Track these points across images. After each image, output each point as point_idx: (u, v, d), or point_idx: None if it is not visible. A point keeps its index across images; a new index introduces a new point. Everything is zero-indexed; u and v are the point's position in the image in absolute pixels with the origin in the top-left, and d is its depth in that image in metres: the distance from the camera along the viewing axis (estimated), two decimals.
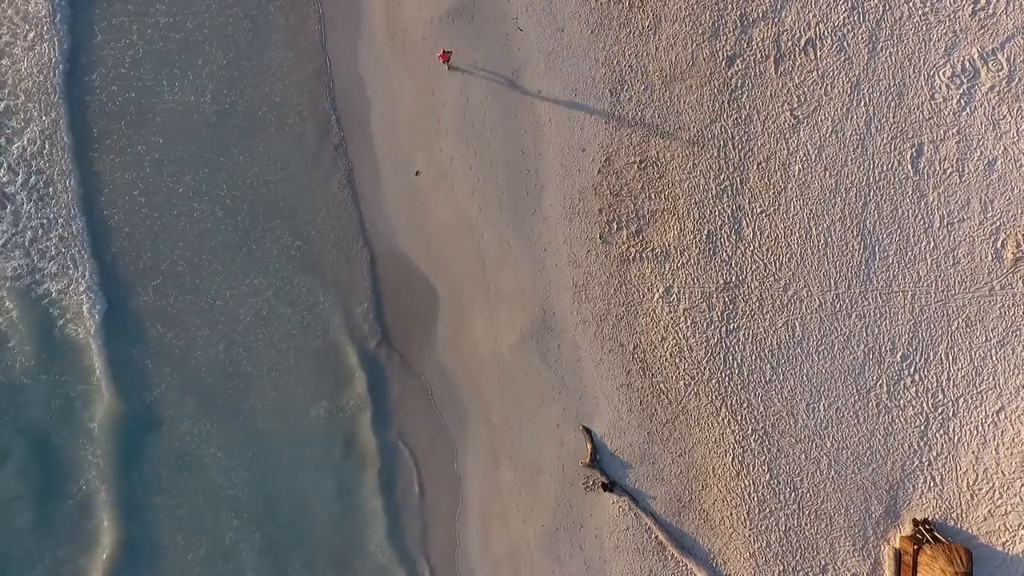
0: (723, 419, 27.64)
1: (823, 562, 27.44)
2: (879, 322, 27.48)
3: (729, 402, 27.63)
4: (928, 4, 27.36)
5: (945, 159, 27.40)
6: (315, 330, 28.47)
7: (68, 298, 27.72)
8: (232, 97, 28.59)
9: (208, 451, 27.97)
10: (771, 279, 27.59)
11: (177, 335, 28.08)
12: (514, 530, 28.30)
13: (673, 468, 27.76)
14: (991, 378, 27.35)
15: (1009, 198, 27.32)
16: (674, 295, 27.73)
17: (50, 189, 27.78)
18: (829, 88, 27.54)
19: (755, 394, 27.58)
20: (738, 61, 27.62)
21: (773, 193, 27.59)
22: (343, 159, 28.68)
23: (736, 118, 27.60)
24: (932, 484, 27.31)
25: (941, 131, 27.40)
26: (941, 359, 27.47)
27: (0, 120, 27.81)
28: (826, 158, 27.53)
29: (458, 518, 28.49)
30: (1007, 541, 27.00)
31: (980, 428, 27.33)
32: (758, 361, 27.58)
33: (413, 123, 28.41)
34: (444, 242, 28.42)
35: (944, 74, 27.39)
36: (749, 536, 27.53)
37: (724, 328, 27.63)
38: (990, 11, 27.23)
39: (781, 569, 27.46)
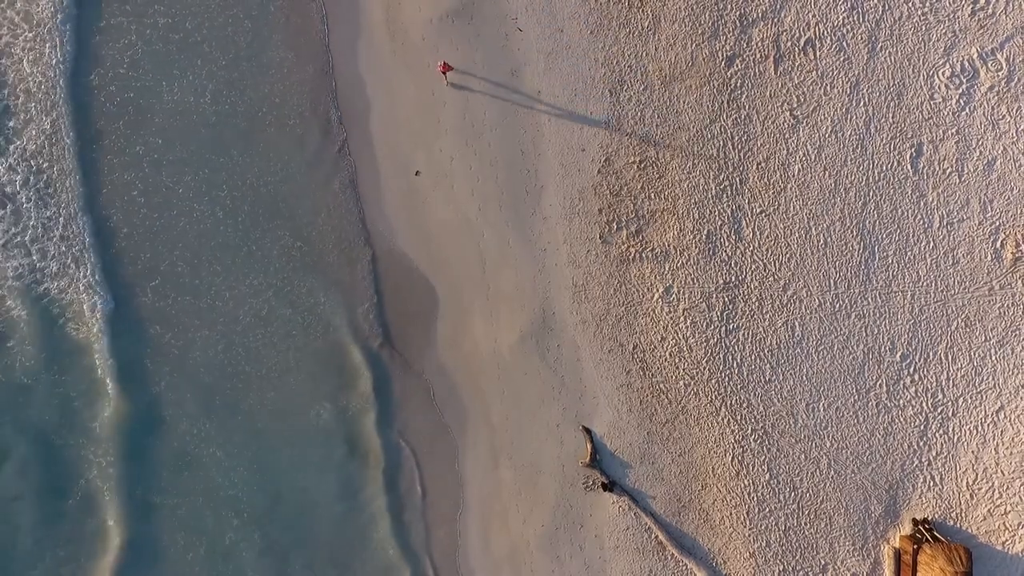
0: (723, 419, 27.66)
1: (823, 562, 27.46)
2: (878, 322, 27.51)
3: (729, 402, 27.66)
4: (927, 4, 27.38)
5: (944, 159, 27.42)
6: (318, 331, 28.46)
7: (70, 297, 27.76)
8: (233, 97, 28.62)
9: (210, 451, 27.96)
10: (771, 279, 27.62)
11: (179, 335, 28.09)
12: (514, 530, 28.32)
13: (673, 468, 27.78)
14: (991, 378, 27.37)
15: (1008, 198, 27.34)
16: (674, 295, 27.75)
17: (51, 189, 27.83)
18: (828, 88, 27.56)
19: (755, 394, 27.60)
20: (737, 61, 27.65)
21: (773, 193, 27.61)
22: (346, 160, 28.70)
23: (735, 118, 27.62)
24: (932, 484, 27.33)
25: (940, 131, 27.43)
26: (941, 359, 27.49)
27: (2, 119, 27.84)
28: (825, 158, 27.55)
29: (459, 518, 28.52)
30: (1007, 540, 27.02)
31: (980, 428, 27.35)
32: (758, 361, 27.61)
33: (413, 123, 28.44)
34: (444, 242, 28.45)
35: (943, 74, 27.41)
36: (749, 536, 27.56)
37: (724, 328, 27.66)
38: (989, 11, 27.25)
39: (781, 569, 27.49)
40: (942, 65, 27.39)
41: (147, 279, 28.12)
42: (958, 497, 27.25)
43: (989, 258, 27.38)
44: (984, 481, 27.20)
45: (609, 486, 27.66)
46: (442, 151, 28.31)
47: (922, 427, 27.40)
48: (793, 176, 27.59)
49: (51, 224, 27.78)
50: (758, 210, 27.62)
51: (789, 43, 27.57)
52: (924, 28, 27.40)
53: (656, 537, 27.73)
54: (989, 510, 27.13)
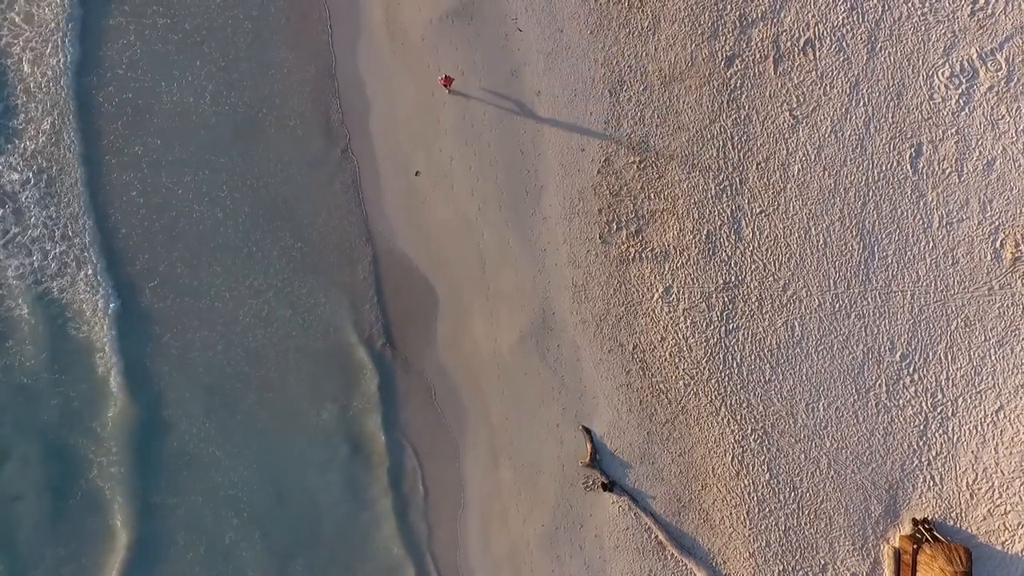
0: (722, 419, 27.67)
1: (823, 561, 27.47)
2: (878, 322, 27.52)
3: (728, 402, 27.67)
4: (927, 4, 27.41)
5: (944, 159, 27.44)
6: (320, 331, 28.44)
7: (71, 297, 27.79)
8: (233, 97, 28.60)
9: (213, 451, 27.94)
10: (770, 279, 27.63)
11: (180, 336, 28.07)
12: (514, 530, 28.32)
13: (673, 468, 27.79)
14: (990, 377, 27.38)
15: (1008, 198, 27.36)
16: (673, 295, 27.77)
17: (52, 188, 27.84)
18: (828, 88, 27.58)
19: (754, 394, 27.61)
20: (737, 61, 27.67)
21: (772, 193, 27.63)
22: (349, 160, 28.69)
23: (735, 118, 27.64)
24: (931, 483, 27.34)
25: (940, 131, 27.45)
26: (940, 359, 27.50)
27: (3, 119, 27.88)
28: (825, 158, 27.57)
29: (459, 518, 28.52)
30: (1006, 540, 27.02)
31: (979, 427, 27.36)
32: (757, 361, 27.62)
33: (413, 123, 28.45)
34: (444, 242, 28.46)
35: (943, 74, 27.43)
36: (749, 536, 27.56)
37: (723, 328, 27.67)
38: (989, 11, 27.28)
39: (781, 568, 27.49)
40: (941, 65, 27.42)
41: (149, 279, 28.12)
42: (958, 497, 27.25)
43: (988, 258, 27.40)
44: (984, 481, 27.21)
45: (609, 486, 27.67)
46: (442, 151, 28.33)
47: (922, 427, 27.41)
48: (793, 176, 27.61)
49: (52, 224, 27.80)
50: (758, 210, 27.63)
51: (789, 43, 27.60)
52: (923, 28, 27.42)
53: (656, 537, 27.74)
54: (989, 510, 27.14)
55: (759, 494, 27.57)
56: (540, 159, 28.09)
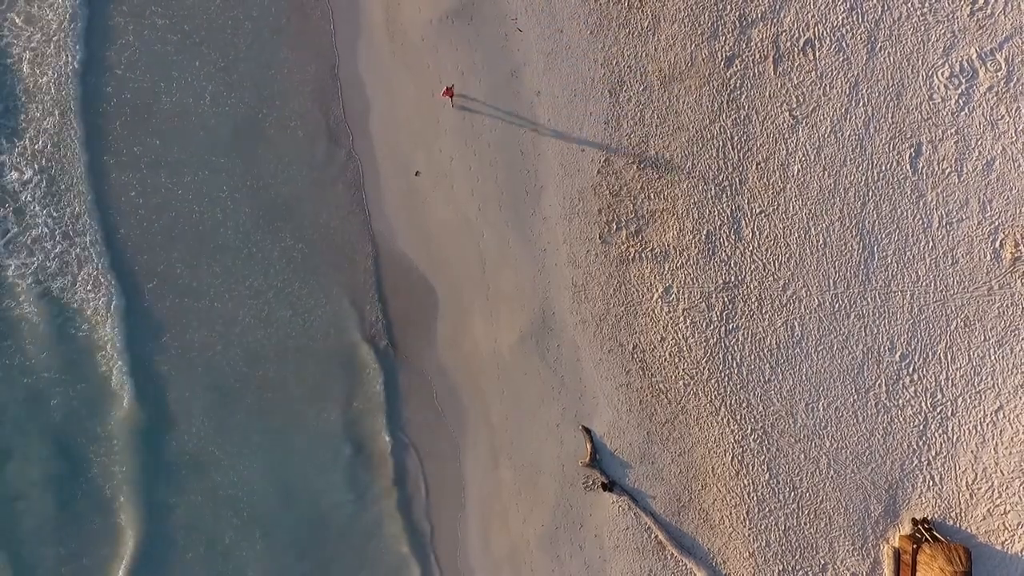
0: (722, 419, 27.69)
1: (822, 561, 27.48)
2: (878, 322, 27.54)
3: (728, 402, 27.69)
4: (926, 4, 27.43)
5: (944, 159, 27.46)
6: (322, 332, 28.46)
7: (75, 296, 27.78)
8: (241, 99, 28.57)
9: (216, 451, 27.97)
10: (770, 279, 27.65)
11: (191, 336, 28.04)
12: (514, 530, 28.35)
13: (672, 468, 27.81)
14: (990, 377, 27.39)
15: (1007, 198, 27.38)
16: (673, 295, 27.79)
17: (54, 187, 27.84)
18: (828, 88, 27.61)
19: (754, 394, 27.63)
20: (737, 62, 27.70)
21: (772, 193, 27.66)
22: (353, 160, 28.69)
23: (735, 118, 27.67)
24: (931, 483, 27.35)
25: (939, 131, 27.47)
26: (940, 359, 27.51)
27: (4, 119, 27.92)
28: (825, 158, 27.59)
29: (459, 518, 28.55)
30: (1006, 540, 27.03)
31: (979, 427, 27.37)
32: (757, 361, 27.64)
33: (413, 123, 28.48)
34: (444, 242, 28.49)
35: (942, 74, 27.45)
36: (748, 535, 27.58)
37: (723, 328, 27.69)
38: (988, 11, 27.29)
39: (780, 568, 27.51)
40: (941, 65, 27.44)
41: (151, 278, 28.12)
42: (957, 497, 27.26)
43: (988, 258, 27.41)
44: (983, 481, 27.22)
45: (609, 486, 27.69)
46: (442, 151, 28.36)
47: (921, 427, 27.42)
48: (792, 176, 27.63)
49: (54, 223, 27.82)
50: (757, 210, 27.66)
51: (788, 43, 27.62)
52: (923, 28, 27.44)
53: (656, 537, 27.75)
54: (988, 510, 27.15)
55: (759, 494, 27.59)
56: (540, 159, 28.12)
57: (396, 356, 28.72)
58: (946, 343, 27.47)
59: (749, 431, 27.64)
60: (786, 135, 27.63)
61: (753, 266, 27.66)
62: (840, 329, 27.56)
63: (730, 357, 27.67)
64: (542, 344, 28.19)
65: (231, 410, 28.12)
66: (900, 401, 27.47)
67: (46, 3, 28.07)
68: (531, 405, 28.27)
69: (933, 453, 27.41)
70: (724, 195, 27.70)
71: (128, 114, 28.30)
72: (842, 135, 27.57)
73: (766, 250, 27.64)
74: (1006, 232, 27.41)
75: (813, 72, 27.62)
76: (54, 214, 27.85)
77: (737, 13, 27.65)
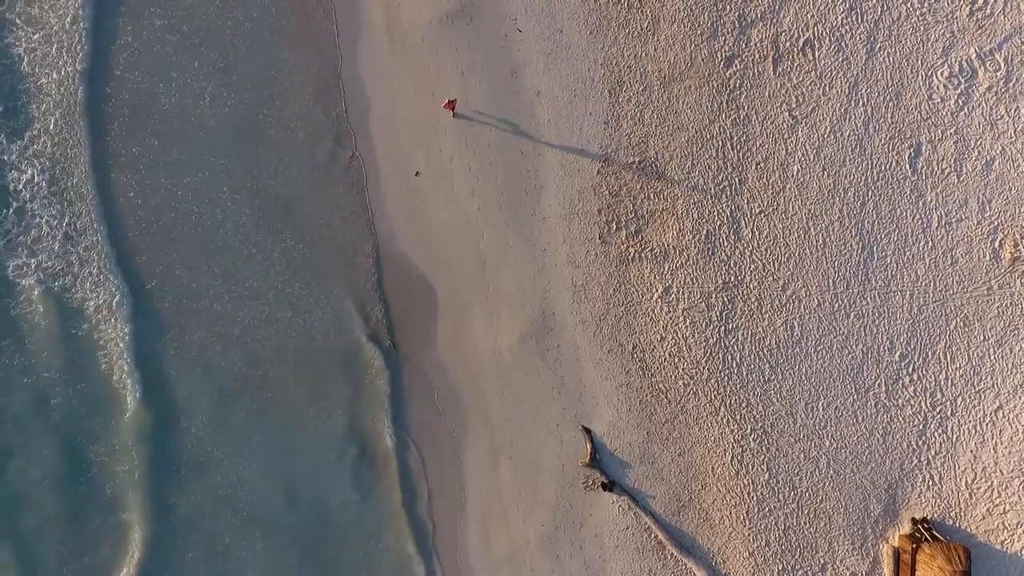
0: (722, 418, 27.71)
1: (822, 561, 27.50)
2: (877, 322, 27.56)
3: (728, 401, 27.71)
4: (926, 5, 27.45)
5: (943, 159, 27.48)
6: (327, 333, 28.49)
7: (76, 295, 27.86)
8: (241, 99, 28.60)
9: (220, 451, 28.04)
10: (770, 279, 27.68)
11: (187, 337, 28.13)
12: (514, 530, 28.37)
13: (672, 467, 27.83)
14: (989, 377, 27.41)
15: (1007, 198, 27.40)
16: (673, 295, 27.81)
17: (57, 187, 27.90)
18: (827, 88, 27.63)
19: (754, 393, 27.65)
20: (736, 62, 27.72)
21: (771, 193, 27.68)
22: (356, 161, 28.71)
23: (734, 118, 27.69)
24: (930, 483, 27.37)
25: (939, 131, 27.49)
26: (939, 358, 27.53)
27: (5, 119, 27.95)
28: (824, 158, 27.62)
29: (459, 517, 28.57)
30: (1005, 539, 27.05)
31: (978, 427, 27.39)
32: (757, 361, 27.66)
33: (413, 123, 28.51)
34: (444, 242, 28.52)
35: (942, 74, 27.47)
36: (748, 535, 27.60)
37: (723, 328, 27.71)
38: (988, 12, 27.32)
39: (780, 568, 27.53)
40: (940, 65, 27.46)
41: (153, 278, 28.19)
42: (957, 496, 27.29)
43: (987, 258, 27.44)
44: (983, 480, 27.25)
45: (609, 486, 27.71)
46: (442, 151, 28.39)
47: (921, 426, 27.45)
48: (792, 176, 27.65)
49: (56, 223, 27.85)
50: (757, 210, 27.68)
51: (788, 44, 27.65)
52: (922, 28, 27.47)
53: (656, 537, 27.77)
54: (988, 509, 27.17)
55: (758, 494, 27.61)
56: (540, 159, 28.15)
57: (398, 356, 28.75)
58: (945, 343, 27.50)
59: (749, 431, 27.66)
60: (786, 135, 27.66)
61: (753, 266, 27.68)
62: (840, 329, 27.58)
63: (730, 357, 27.70)
64: (542, 344, 28.21)
65: (233, 410, 28.15)
66: (900, 401, 27.49)
67: (47, 5, 28.13)
68: (531, 405, 28.30)
69: (932, 453, 27.43)
70: (724, 195, 27.73)
71: (129, 115, 28.40)
72: (841, 135, 27.59)
73: (766, 250, 27.67)
74: (1005, 232, 27.43)
75: (812, 72, 27.64)
76: (55, 214, 27.88)
77: (736, 13, 27.68)
